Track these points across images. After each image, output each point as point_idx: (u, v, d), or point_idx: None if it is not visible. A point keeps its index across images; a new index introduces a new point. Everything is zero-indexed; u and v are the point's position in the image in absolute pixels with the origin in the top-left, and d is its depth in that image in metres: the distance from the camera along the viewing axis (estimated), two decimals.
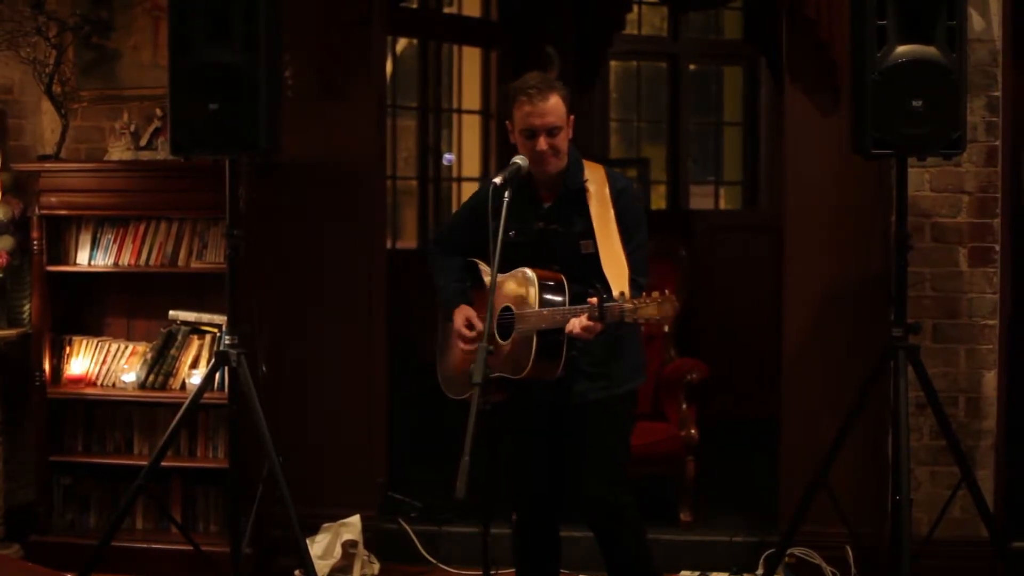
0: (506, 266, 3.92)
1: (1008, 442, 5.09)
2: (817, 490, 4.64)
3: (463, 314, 4.07)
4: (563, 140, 3.89)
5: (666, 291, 3.56)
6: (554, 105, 3.84)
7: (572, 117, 3.94)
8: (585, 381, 3.98)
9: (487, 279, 4.06)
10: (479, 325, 4.02)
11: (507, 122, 3.98)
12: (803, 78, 5.20)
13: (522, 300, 3.87)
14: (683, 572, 5.20)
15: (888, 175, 4.83)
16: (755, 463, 6.08)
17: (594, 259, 3.82)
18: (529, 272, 3.86)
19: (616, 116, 10.03)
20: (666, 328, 3.60)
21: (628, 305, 3.56)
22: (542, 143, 3.84)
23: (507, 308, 3.97)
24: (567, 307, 3.77)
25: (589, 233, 3.89)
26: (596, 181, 3.95)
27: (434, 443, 5.72)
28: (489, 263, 4.00)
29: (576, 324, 3.66)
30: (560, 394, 3.99)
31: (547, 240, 3.95)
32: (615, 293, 3.63)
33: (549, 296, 3.83)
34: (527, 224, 3.93)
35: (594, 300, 3.61)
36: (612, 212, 3.89)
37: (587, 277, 3.79)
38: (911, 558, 4.25)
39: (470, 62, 8.59)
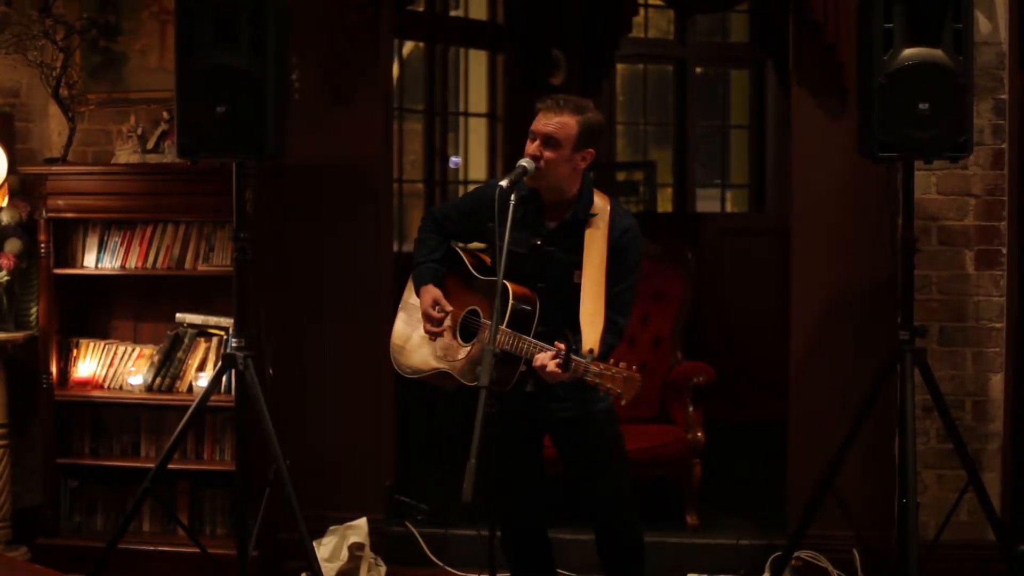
0: (490, 271, 3.94)
1: (1015, 445, 5.09)
2: (824, 493, 4.63)
3: (431, 295, 4.03)
4: (557, 157, 3.83)
5: (633, 367, 3.50)
6: (562, 121, 3.81)
7: (592, 151, 3.88)
8: (558, 401, 3.96)
9: (469, 272, 4.07)
10: (447, 307, 4.00)
11: None
12: (810, 81, 5.20)
13: (492, 310, 3.82)
14: (689, 575, 5.19)
15: (895, 178, 4.84)
16: (762, 466, 6.07)
17: (579, 291, 3.80)
18: (507, 285, 3.78)
19: (623, 119, 10.05)
20: (623, 403, 3.52)
21: (593, 368, 3.50)
22: (533, 147, 3.83)
23: (474, 311, 3.98)
24: (533, 341, 3.71)
25: (581, 265, 3.87)
26: (601, 219, 3.91)
27: (441, 446, 5.71)
28: (472, 257, 4.07)
29: (546, 359, 3.59)
30: (536, 410, 3.99)
31: (539, 258, 3.91)
32: (584, 347, 3.58)
33: (520, 310, 3.78)
34: (526, 238, 3.91)
35: (562, 345, 3.56)
36: (605, 256, 3.85)
37: (568, 304, 3.78)
38: (918, 561, 4.25)
39: (476, 65, 8.60)
